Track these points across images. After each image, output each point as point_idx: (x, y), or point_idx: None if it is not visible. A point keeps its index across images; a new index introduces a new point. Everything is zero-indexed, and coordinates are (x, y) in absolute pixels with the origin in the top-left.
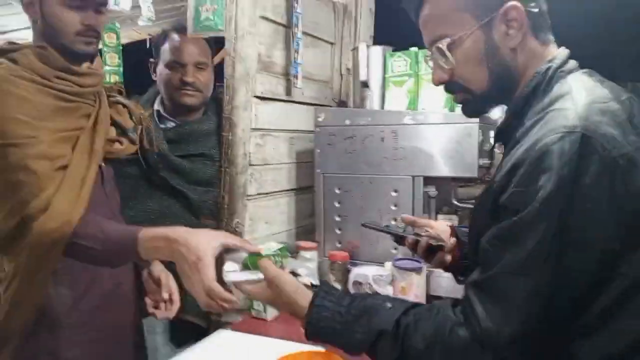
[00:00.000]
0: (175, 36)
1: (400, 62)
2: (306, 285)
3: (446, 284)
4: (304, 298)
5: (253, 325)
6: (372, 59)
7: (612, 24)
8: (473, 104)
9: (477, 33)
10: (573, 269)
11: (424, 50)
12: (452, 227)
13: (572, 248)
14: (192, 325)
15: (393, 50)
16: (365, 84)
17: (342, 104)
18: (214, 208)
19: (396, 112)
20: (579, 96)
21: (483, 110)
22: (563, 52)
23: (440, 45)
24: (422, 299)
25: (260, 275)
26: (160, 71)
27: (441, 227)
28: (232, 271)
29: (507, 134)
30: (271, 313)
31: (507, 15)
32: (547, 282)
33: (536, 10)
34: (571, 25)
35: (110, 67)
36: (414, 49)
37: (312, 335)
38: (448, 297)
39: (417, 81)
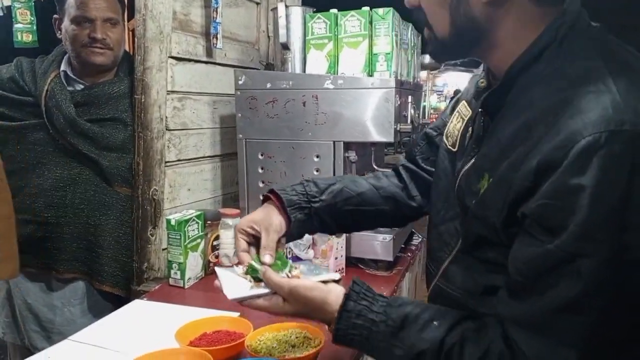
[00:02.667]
0: None
1: (320, 24)
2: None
3: (366, 246)
4: (335, 301)
5: (170, 293)
6: (291, 20)
7: None
8: (434, 46)
9: None
10: (635, 289)
11: (344, 12)
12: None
13: (634, 268)
14: (111, 295)
15: (314, 12)
16: (285, 46)
17: (269, 66)
18: (129, 175)
19: (317, 76)
20: (615, 74)
21: (443, 57)
22: (577, 1)
23: None
24: (342, 262)
25: (264, 290)
26: (66, 27)
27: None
28: (234, 286)
29: (498, 98)
30: (189, 281)
31: None
32: (608, 313)
33: None
34: None
35: (23, 25)
36: (333, 10)
37: (342, 341)
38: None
39: (336, 44)
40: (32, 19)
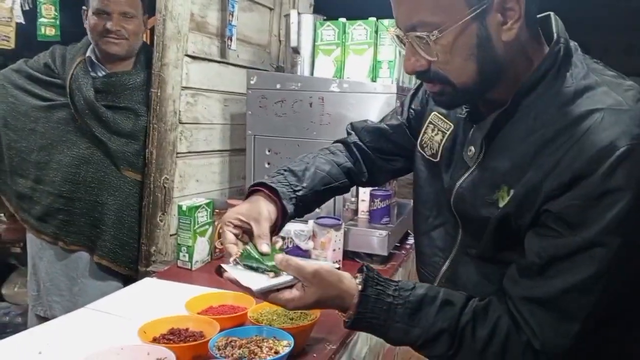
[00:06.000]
0: None
1: (329, 31)
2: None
3: (362, 240)
4: (352, 287)
5: (178, 273)
6: (303, 26)
7: (603, 15)
8: (451, 97)
9: (469, 23)
10: (628, 279)
11: (351, 22)
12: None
13: (634, 260)
14: (118, 274)
15: (324, 20)
16: (295, 50)
17: (279, 69)
18: (136, 161)
19: (324, 80)
20: (623, 92)
21: (460, 103)
22: (560, 24)
23: (423, 36)
24: (339, 254)
25: (283, 279)
26: (89, 19)
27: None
28: (251, 279)
29: (504, 119)
30: (196, 263)
31: (505, 3)
32: (607, 296)
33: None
34: (561, 12)
35: (47, 20)
36: (342, 19)
37: (358, 325)
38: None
39: (343, 50)
40: (56, 14)
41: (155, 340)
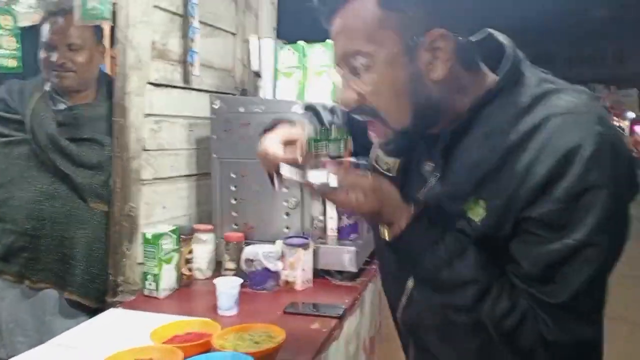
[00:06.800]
0: (53, 18)
1: (289, 54)
2: None
3: (332, 258)
4: (406, 204)
5: (145, 303)
6: (263, 51)
7: (553, 27)
8: (395, 144)
9: (401, 56)
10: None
11: (310, 45)
12: None
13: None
14: (85, 307)
15: (284, 43)
16: (257, 74)
17: (244, 92)
18: (104, 192)
19: (286, 102)
20: (577, 95)
21: (406, 150)
22: (506, 36)
23: (355, 63)
24: (309, 273)
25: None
26: (41, 53)
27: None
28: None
29: (460, 132)
30: (163, 291)
31: (433, 42)
32: (606, 291)
33: (465, 41)
34: (511, 27)
35: (9, 52)
36: (301, 42)
37: (407, 237)
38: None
39: (304, 73)
40: (18, 45)
41: None
